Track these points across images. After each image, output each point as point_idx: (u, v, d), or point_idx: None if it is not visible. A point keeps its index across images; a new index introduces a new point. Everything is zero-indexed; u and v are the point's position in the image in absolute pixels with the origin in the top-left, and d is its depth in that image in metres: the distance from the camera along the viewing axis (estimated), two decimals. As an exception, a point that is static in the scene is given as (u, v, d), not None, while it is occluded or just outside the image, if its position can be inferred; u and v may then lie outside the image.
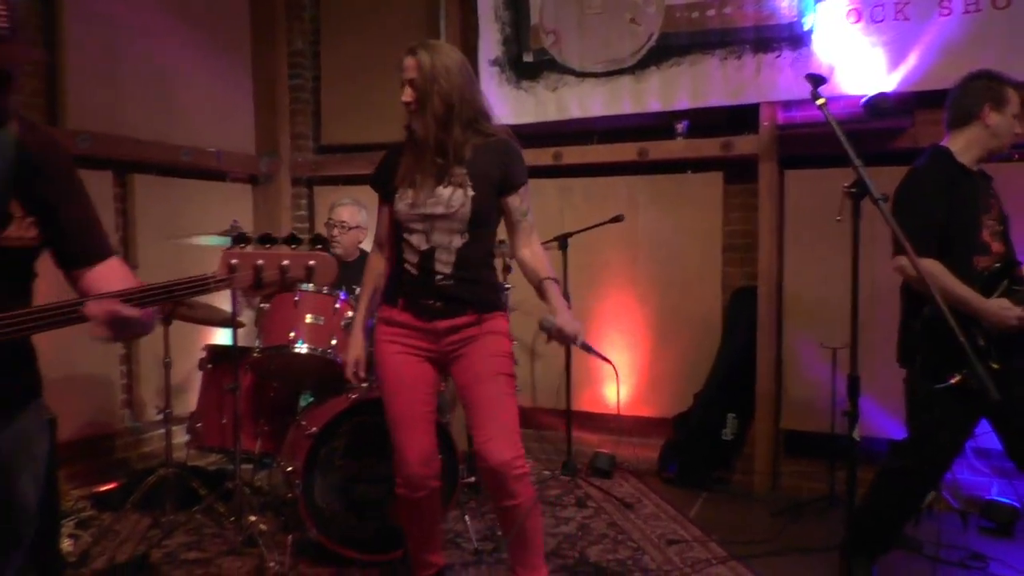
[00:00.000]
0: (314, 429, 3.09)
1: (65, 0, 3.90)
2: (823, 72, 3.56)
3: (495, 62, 4.71)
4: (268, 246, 1.66)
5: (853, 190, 2.30)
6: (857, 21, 3.90)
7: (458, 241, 2.48)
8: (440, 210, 2.45)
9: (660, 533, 3.54)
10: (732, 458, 4.37)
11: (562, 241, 4.09)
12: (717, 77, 4.19)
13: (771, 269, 4.19)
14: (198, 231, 3.48)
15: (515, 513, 2.46)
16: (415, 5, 5.04)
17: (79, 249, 1.66)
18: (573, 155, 4.61)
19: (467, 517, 3.36)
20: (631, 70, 4.39)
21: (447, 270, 2.48)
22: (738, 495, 4.15)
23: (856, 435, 2.34)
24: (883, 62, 3.85)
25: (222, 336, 4.18)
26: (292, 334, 3.23)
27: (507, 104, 4.68)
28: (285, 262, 1.62)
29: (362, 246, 4.03)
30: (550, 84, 4.59)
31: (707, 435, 4.27)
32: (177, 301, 1.56)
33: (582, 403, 4.58)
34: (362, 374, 2.71)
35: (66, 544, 3.20)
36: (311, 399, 3.72)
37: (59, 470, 3.31)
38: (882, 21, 3.85)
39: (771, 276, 4.19)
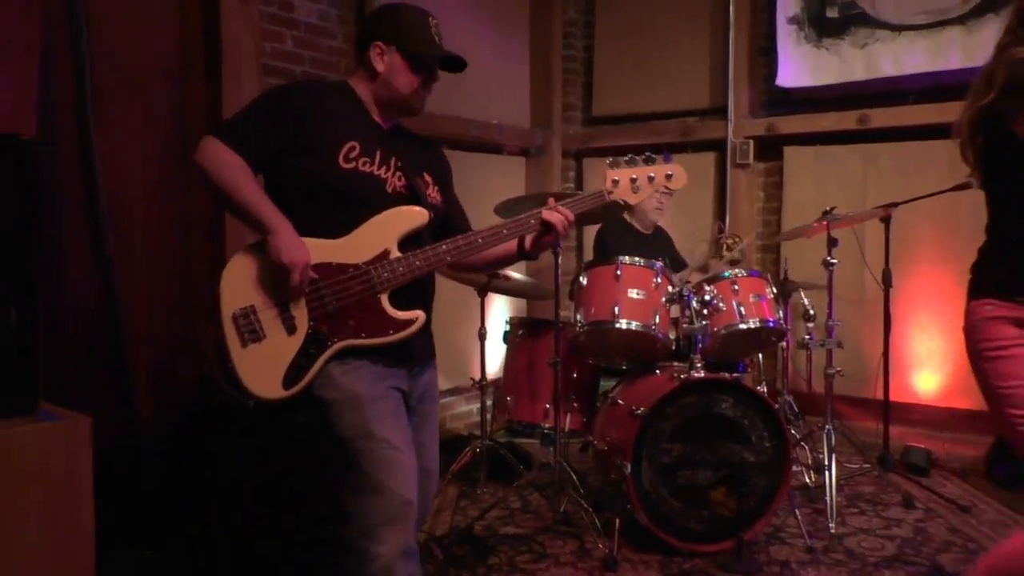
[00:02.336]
0: (643, 409, 2.96)
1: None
2: None
3: (793, 19, 4.36)
4: (635, 165, 2.08)
5: None
6: None
7: None
8: None
9: (1016, 544, 3.12)
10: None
11: (885, 214, 3.70)
12: (1076, 23, 3.61)
13: None
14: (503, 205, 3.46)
15: None
16: (698, -35, 4.78)
17: (459, 216, 2.21)
18: (883, 118, 4.18)
19: (797, 511, 3.12)
20: (961, 20, 3.90)
21: None
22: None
23: None
24: None
25: (515, 308, 4.18)
26: (616, 309, 3.12)
27: (805, 64, 4.33)
28: (651, 174, 2.07)
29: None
30: (858, 40, 4.18)
31: (1048, 434, 3.74)
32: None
33: (877, 391, 4.18)
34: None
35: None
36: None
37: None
38: None
39: None
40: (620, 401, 3.25)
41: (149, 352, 3.10)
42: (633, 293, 3.17)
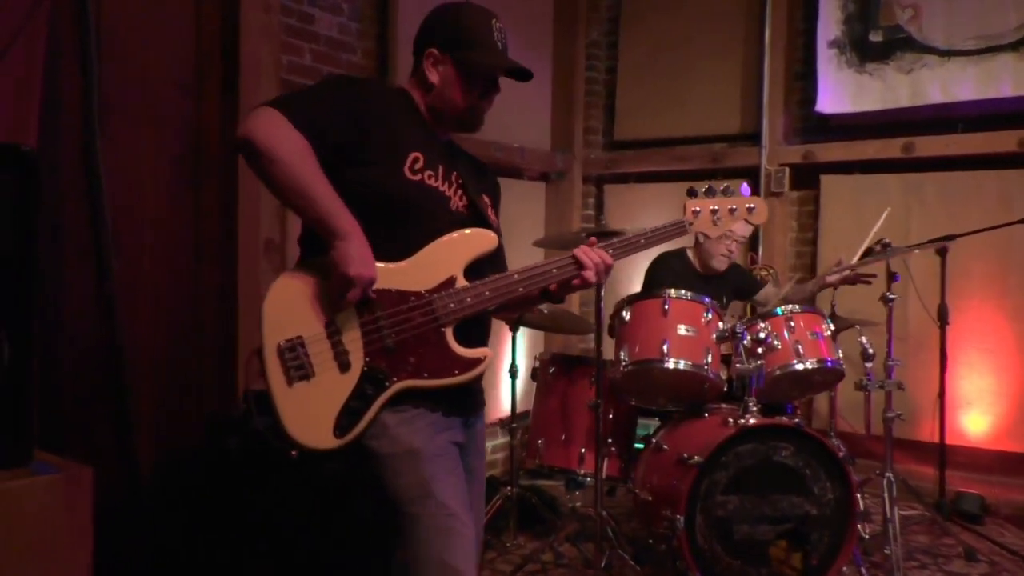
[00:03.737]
0: (698, 458, 2.70)
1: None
2: None
3: (834, 43, 4.17)
4: (714, 195, 1.90)
5: None
6: None
7: None
8: None
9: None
10: None
11: (940, 243, 3.47)
12: None
13: None
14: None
15: None
16: (730, -13, 4.60)
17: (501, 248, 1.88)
18: (929, 146, 3.98)
19: (863, 569, 2.86)
20: (1014, 46, 3.72)
21: None
22: None
23: None
24: None
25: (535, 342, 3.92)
26: (665, 347, 2.87)
27: (846, 90, 4.13)
28: (732, 206, 1.90)
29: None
30: (904, 66, 3.99)
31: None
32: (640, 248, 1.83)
33: (923, 433, 3.94)
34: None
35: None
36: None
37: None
38: None
39: None
40: (665, 446, 3.00)
41: (154, 392, 2.82)
42: (682, 329, 2.92)
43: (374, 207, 1.59)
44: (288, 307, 1.53)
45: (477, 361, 1.63)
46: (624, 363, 2.93)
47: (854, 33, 4.11)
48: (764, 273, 4.22)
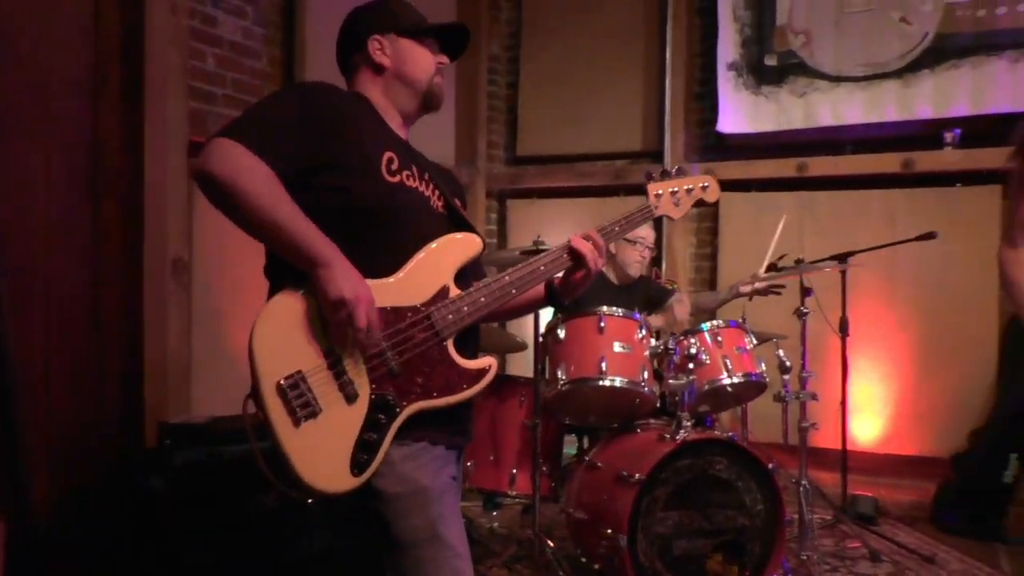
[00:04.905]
0: (639, 476, 2.70)
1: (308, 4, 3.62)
2: None
3: (732, 66, 4.34)
4: (671, 178, 1.93)
5: None
6: None
7: None
8: None
9: (995, 596, 3.09)
10: (1008, 503, 3.91)
11: (841, 259, 3.66)
12: (1005, 81, 3.78)
13: (1069, 295, 3.73)
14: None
15: None
16: (630, 5, 4.69)
17: None
18: (821, 166, 4.22)
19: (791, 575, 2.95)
20: (898, 74, 4.00)
21: None
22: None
23: None
24: None
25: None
26: (603, 365, 2.86)
27: (744, 111, 4.31)
28: (689, 186, 1.92)
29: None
30: (797, 89, 4.21)
31: (990, 479, 3.81)
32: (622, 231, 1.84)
33: (822, 440, 4.15)
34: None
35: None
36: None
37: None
38: None
39: (1069, 303, 3.73)
40: (600, 464, 2.98)
41: (50, 425, 2.53)
42: (618, 347, 2.91)
43: (355, 216, 1.47)
44: (280, 341, 1.37)
45: (483, 372, 1.54)
46: (561, 382, 2.89)
47: (751, 57, 4.29)
48: (670, 287, 4.32)
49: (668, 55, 4.52)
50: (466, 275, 1.61)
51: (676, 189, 1.90)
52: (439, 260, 1.54)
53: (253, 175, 1.37)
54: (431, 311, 1.50)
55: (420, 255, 1.52)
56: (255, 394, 1.34)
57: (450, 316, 1.51)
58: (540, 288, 1.75)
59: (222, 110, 3.37)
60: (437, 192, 1.64)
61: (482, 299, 1.55)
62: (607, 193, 4.74)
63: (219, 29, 3.35)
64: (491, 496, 3.50)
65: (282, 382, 1.35)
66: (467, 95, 4.81)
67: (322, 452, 1.35)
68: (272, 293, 1.48)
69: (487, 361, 1.56)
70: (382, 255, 1.49)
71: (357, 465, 1.38)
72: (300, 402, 1.35)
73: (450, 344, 1.51)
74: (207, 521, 2.19)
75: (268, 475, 1.35)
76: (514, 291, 1.59)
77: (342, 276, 1.37)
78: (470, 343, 1.58)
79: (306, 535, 2.37)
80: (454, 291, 1.54)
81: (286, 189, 1.42)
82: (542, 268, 1.65)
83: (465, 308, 1.53)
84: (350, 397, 1.40)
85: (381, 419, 1.41)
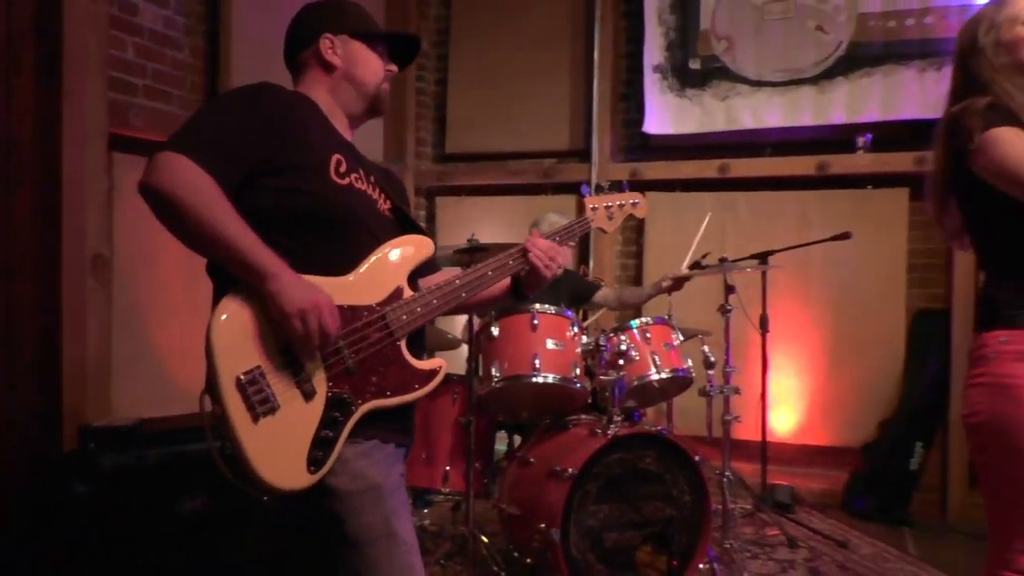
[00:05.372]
0: (572, 470, 2.74)
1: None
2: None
3: (657, 68, 4.44)
4: (605, 194, 2.03)
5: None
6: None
7: None
8: None
9: (905, 577, 3.27)
10: (913, 489, 4.13)
11: (762, 258, 3.79)
12: (913, 89, 3.98)
13: (968, 292, 3.97)
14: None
15: None
16: (558, 6, 4.74)
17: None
18: (742, 168, 4.35)
19: (716, 564, 3.04)
20: (814, 80, 4.16)
21: None
22: (949, 530, 3.89)
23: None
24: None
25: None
26: (537, 362, 2.89)
27: (668, 112, 4.41)
28: (621, 202, 2.03)
29: None
30: (719, 93, 4.33)
31: (897, 467, 4.02)
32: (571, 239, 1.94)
33: (737, 431, 4.29)
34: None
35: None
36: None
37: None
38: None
39: (968, 299, 3.97)
40: (532, 459, 3.01)
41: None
42: (551, 344, 2.96)
43: (304, 217, 1.47)
44: (238, 336, 1.35)
45: (434, 373, 1.56)
46: (496, 379, 2.92)
47: (675, 60, 4.40)
48: (597, 283, 4.40)
49: (596, 56, 4.59)
50: (415, 276, 1.63)
51: (610, 204, 2.02)
52: (393, 261, 1.56)
53: (198, 190, 1.36)
54: (386, 311, 1.51)
55: (375, 256, 1.54)
56: (211, 389, 1.32)
57: (404, 316, 1.53)
58: (507, 281, 1.79)
59: (143, 101, 3.26)
60: (383, 195, 1.65)
61: (434, 301, 1.58)
62: (536, 191, 4.78)
63: (139, 17, 3.24)
64: (422, 494, 3.50)
65: (241, 377, 1.33)
66: (396, 92, 4.70)
67: (280, 449, 1.34)
68: (218, 291, 1.46)
69: (437, 362, 1.58)
70: (331, 256, 1.49)
71: (314, 462, 1.37)
72: (259, 398, 1.34)
73: (403, 344, 1.53)
74: (136, 527, 2.12)
75: (225, 473, 1.32)
76: (464, 295, 1.63)
77: (292, 287, 1.37)
78: (419, 344, 1.60)
79: (240, 540, 2.32)
80: (407, 292, 1.56)
81: (236, 189, 1.42)
82: (489, 274, 1.70)
83: (419, 309, 1.55)
84: (308, 394, 1.39)
85: (337, 417, 1.41)
